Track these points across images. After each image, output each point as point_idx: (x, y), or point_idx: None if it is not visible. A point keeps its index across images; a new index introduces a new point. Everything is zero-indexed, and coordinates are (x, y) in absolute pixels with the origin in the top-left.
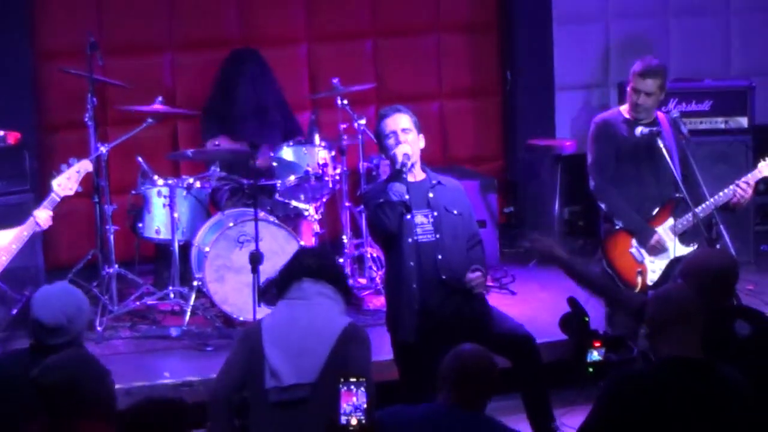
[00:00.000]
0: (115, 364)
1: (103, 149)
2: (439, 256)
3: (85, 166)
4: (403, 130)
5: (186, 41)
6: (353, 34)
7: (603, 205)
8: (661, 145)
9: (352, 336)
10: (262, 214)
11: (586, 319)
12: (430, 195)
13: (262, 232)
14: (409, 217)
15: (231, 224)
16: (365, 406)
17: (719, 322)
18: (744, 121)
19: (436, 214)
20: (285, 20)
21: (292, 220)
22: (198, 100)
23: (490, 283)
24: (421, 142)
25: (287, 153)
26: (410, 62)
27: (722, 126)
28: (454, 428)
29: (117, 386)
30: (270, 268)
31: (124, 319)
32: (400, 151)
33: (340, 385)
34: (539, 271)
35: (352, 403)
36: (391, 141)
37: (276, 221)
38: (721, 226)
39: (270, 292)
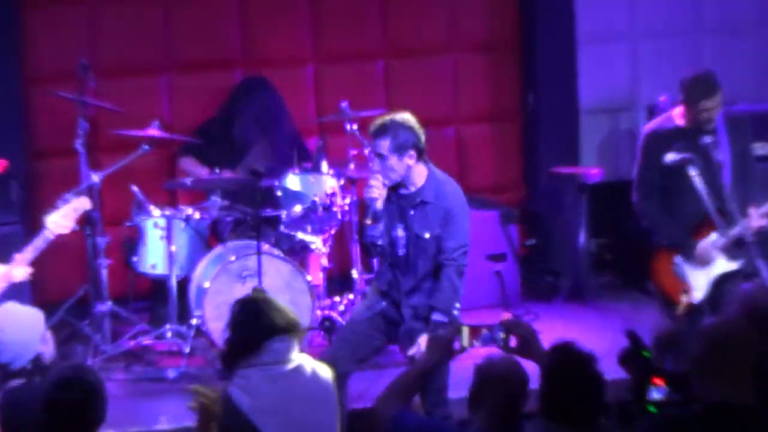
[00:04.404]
0: (108, 408)
1: (95, 177)
2: (404, 278)
3: (83, 204)
4: (380, 157)
5: (184, 62)
6: (363, 54)
7: (643, 222)
8: (693, 173)
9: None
10: (266, 247)
11: (646, 354)
12: (411, 212)
13: (266, 267)
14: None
15: (233, 258)
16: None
17: None
18: None
19: (408, 234)
20: (290, 39)
21: (298, 253)
22: (197, 125)
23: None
24: (409, 161)
25: (293, 182)
26: (424, 84)
27: (760, 152)
28: None
29: None
30: None
31: (118, 360)
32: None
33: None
34: (565, 308)
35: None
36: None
37: (281, 255)
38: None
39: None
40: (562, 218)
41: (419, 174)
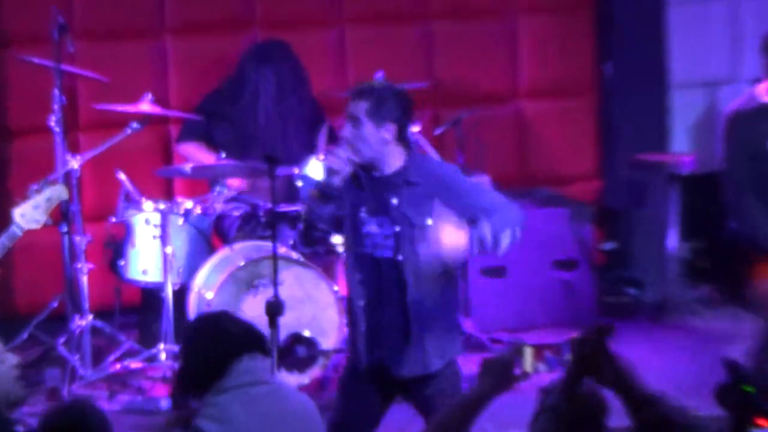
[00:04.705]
0: None
1: (73, 162)
2: (410, 279)
3: (59, 193)
4: (353, 121)
5: (183, 23)
6: (401, 14)
7: (735, 223)
8: None
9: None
10: (283, 250)
11: (748, 388)
12: (394, 201)
13: (284, 274)
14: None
15: (242, 263)
16: None
17: None
18: None
19: (398, 229)
20: None
21: (322, 257)
22: (198, 99)
23: None
24: (386, 135)
25: (316, 169)
26: (476, 52)
27: None
28: None
29: None
30: (293, 320)
31: (100, 387)
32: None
33: None
34: (650, 327)
35: None
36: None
37: (301, 259)
38: None
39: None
40: (647, 216)
41: (396, 155)
